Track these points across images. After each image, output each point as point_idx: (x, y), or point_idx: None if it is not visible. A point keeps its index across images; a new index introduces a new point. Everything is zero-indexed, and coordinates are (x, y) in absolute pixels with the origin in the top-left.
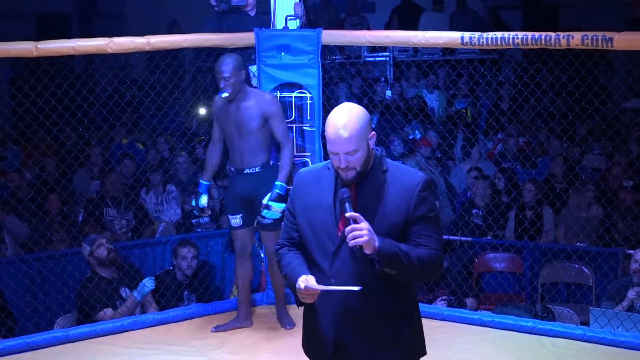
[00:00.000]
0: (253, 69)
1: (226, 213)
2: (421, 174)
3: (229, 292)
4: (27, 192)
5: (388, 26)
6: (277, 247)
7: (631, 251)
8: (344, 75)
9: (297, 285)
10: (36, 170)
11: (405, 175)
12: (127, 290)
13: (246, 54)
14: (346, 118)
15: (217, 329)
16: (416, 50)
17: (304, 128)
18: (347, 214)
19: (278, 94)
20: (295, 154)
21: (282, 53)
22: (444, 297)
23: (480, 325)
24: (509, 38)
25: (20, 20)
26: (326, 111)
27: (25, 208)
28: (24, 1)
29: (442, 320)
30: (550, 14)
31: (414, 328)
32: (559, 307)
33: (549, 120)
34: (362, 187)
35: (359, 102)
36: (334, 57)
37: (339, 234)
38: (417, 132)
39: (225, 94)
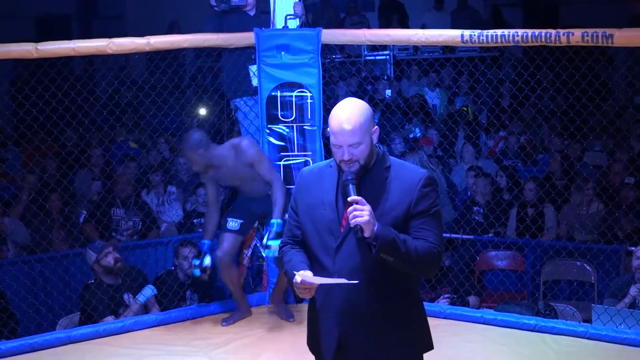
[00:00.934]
0: (253, 68)
1: (228, 215)
2: (424, 170)
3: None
4: (29, 193)
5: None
6: (280, 245)
7: (633, 248)
8: (344, 74)
9: (294, 280)
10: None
11: (407, 172)
12: (130, 296)
13: (246, 54)
14: (350, 111)
15: (227, 322)
16: (416, 48)
17: (305, 127)
18: (349, 198)
19: (279, 93)
20: (296, 153)
21: (282, 52)
22: (446, 296)
23: (483, 323)
24: (509, 35)
25: (21, 21)
26: (327, 110)
27: (27, 209)
28: (24, 2)
29: (444, 318)
30: (551, 11)
31: (418, 322)
32: (561, 305)
33: (549, 118)
34: (365, 182)
35: None
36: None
37: (342, 231)
38: (417, 130)
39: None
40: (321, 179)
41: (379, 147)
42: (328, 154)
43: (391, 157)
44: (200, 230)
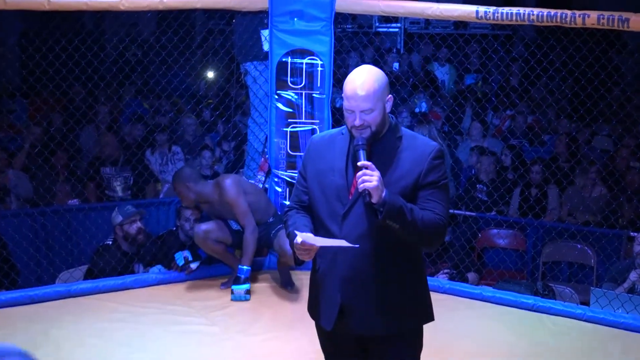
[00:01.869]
0: (265, 33)
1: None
2: (435, 143)
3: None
4: (31, 145)
5: None
6: (287, 208)
7: (635, 233)
8: (355, 44)
9: (295, 241)
10: (44, 125)
11: (419, 143)
12: (141, 266)
13: (258, 18)
14: (365, 77)
15: (225, 285)
16: (428, 22)
17: (314, 95)
18: (359, 163)
19: (289, 59)
20: (303, 120)
21: (295, 19)
22: (445, 271)
23: (481, 300)
24: (524, 14)
25: None
26: (336, 79)
27: (32, 162)
28: None
29: (443, 293)
30: None
31: (421, 293)
32: (560, 286)
33: (560, 99)
34: (376, 150)
35: None
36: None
37: (350, 198)
38: (422, 104)
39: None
40: (332, 146)
41: (392, 118)
42: (336, 122)
43: (403, 128)
44: None
